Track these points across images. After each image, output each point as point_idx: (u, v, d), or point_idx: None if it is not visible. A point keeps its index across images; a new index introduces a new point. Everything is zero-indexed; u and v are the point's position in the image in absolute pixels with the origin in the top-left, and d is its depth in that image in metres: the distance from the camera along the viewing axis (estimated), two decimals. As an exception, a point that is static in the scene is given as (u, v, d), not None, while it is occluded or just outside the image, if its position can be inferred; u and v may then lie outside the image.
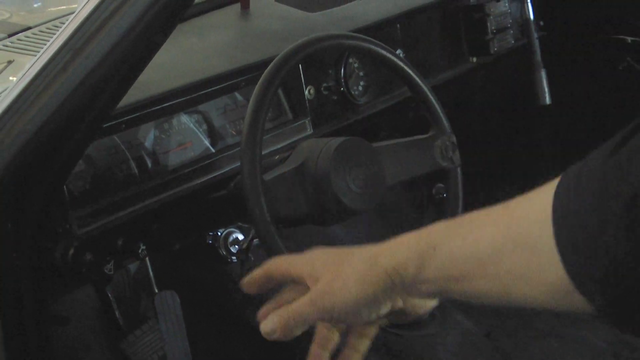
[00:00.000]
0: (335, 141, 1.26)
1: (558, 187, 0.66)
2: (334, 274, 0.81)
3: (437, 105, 1.40)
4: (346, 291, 0.80)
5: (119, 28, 0.99)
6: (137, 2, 0.98)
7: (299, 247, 1.22)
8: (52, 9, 1.78)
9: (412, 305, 0.87)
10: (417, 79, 1.39)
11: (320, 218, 1.27)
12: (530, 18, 2.07)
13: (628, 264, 0.60)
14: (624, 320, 0.64)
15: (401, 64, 1.36)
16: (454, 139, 1.40)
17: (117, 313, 1.63)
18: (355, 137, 1.29)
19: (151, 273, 1.67)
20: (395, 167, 1.33)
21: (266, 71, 1.22)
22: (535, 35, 2.07)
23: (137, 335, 1.65)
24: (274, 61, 1.23)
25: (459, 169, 1.41)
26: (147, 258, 1.64)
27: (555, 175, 0.68)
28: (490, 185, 2.40)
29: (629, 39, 2.15)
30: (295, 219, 1.26)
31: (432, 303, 0.91)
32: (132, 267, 1.76)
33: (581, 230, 0.63)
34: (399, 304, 0.82)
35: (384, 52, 1.35)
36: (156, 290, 1.69)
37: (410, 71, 1.37)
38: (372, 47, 1.34)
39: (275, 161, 1.32)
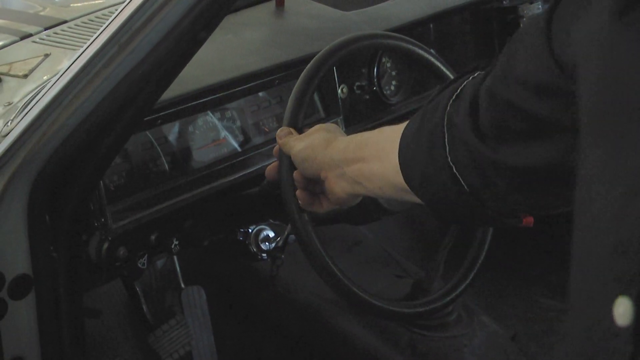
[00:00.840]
0: None
1: (407, 124, 1.00)
2: (303, 138, 1.16)
3: None
4: (302, 147, 1.14)
5: (164, 24, 0.99)
6: (180, 2, 0.98)
7: (328, 245, 1.23)
8: (87, 2, 1.78)
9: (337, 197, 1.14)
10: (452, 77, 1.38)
11: (356, 217, 1.27)
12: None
13: (430, 176, 0.94)
14: (436, 212, 0.98)
15: (438, 63, 1.36)
16: None
17: (144, 307, 1.64)
18: None
19: (178, 268, 1.68)
20: None
21: (307, 68, 1.22)
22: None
23: (164, 330, 1.65)
24: (315, 58, 1.23)
25: None
26: (175, 256, 1.65)
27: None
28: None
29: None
30: (331, 217, 1.26)
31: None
32: (159, 262, 1.77)
33: (409, 153, 0.97)
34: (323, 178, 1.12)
35: (421, 52, 1.35)
36: (183, 286, 1.70)
37: (447, 71, 1.37)
38: (411, 47, 1.33)
39: None
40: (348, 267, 1.25)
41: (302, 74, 1.22)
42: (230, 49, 1.54)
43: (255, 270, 1.77)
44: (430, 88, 1.77)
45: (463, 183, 0.91)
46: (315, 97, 1.58)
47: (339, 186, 1.10)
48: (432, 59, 1.35)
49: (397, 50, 1.36)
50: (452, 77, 1.39)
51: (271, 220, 1.48)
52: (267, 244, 1.49)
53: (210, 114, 1.44)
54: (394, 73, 1.73)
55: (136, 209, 1.32)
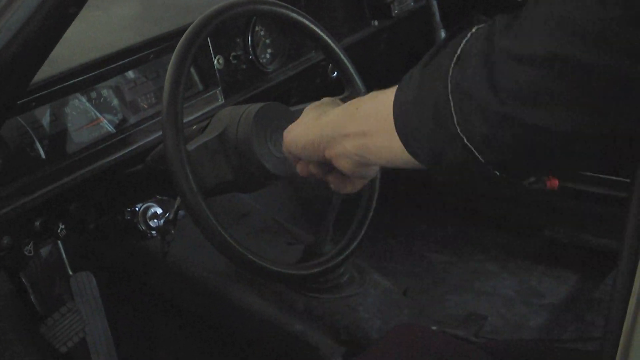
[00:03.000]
0: (254, 107, 1.26)
1: (396, 92, 0.90)
2: (293, 125, 1.11)
3: (351, 66, 1.41)
4: (294, 134, 1.09)
5: (32, 0, 0.96)
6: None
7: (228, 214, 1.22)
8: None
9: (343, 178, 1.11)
10: (330, 41, 1.39)
11: (244, 185, 1.27)
12: (427, -21, 2.10)
13: (441, 150, 0.85)
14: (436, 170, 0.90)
15: (315, 27, 1.36)
16: None
17: (32, 297, 1.60)
18: (273, 102, 1.29)
19: (64, 255, 1.64)
20: None
21: (181, 40, 1.20)
22: (433, -4, 2.11)
23: (56, 319, 1.61)
24: (189, 29, 1.22)
25: None
26: (59, 241, 1.61)
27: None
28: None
29: (523, -4, 2.21)
30: (220, 187, 1.25)
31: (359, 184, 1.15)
32: (44, 251, 1.73)
33: (411, 125, 0.88)
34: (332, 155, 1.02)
35: (296, 16, 1.35)
36: (71, 273, 1.66)
37: (323, 34, 1.38)
38: (284, 11, 1.34)
39: (194, 131, 1.31)
40: (239, 239, 1.24)
41: (177, 47, 1.21)
42: (101, 26, 1.51)
43: (145, 250, 1.75)
44: (306, 53, 1.78)
45: (478, 155, 0.83)
46: (192, 70, 1.57)
47: (345, 164, 1.02)
48: (308, 23, 1.35)
49: (271, 16, 1.36)
50: (329, 40, 1.40)
51: (158, 196, 1.47)
52: (155, 220, 1.48)
53: (86, 93, 1.41)
54: (268, 41, 1.73)
55: (17, 195, 1.28)
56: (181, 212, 1.35)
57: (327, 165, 1.07)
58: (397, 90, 0.90)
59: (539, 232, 2.30)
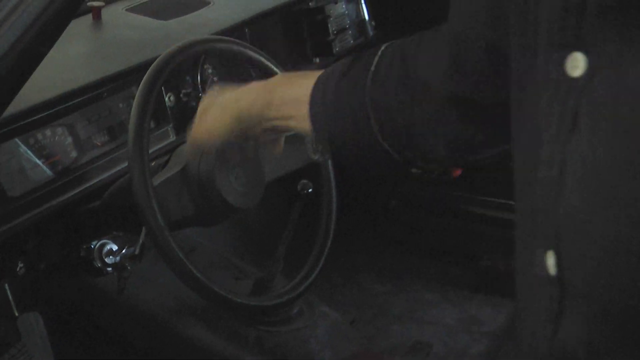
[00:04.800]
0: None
1: (313, 91, 1.00)
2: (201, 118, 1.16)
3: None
4: (207, 125, 1.14)
5: (6, 39, 0.97)
6: (24, 13, 0.97)
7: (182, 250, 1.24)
8: None
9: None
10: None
11: (207, 219, 1.29)
12: (365, 18, 2.16)
13: (362, 152, 0.98)
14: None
15: (270, 64, 1.40)
16: None
17: None
18: None
19: (10, 296, 1.63)
20: (272, 164, 1.38)
21: (145, 77, 1.23)
22: (371, 34, 2.17)
23: (6, 361, 1.59)
24: (152, 67, 1.24)
25: (329, 162, 1.47)
26: (6, 284, 1.60)
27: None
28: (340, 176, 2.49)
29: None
30: (183, 221, 1.27)
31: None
32: (-10, 292, 1.70)
33: (334, 125, 0.99)
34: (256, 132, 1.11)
35: (253, 54, 1.39)
36: (16, 314, 1.65)
37: (277, 70, 1.42)
38: (242, 49, 1.37)
39: (154, 167, 1.33)
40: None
41: (142, 84, 1.23)
42: (54, 65, 1.50)
43: (95, 288, 1.74)
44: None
45: (397, 157, 0.97)
46: None
47: (270, 137, 1.13)
48: (265, 61, 1.39)
49: (228, 53, 1.39)
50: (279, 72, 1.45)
51: (114, 233, 1.47)
52: (111, 257, 1.48)
53: (42, 132, 1.41)
54: (216, 78, 1.76)
55: None
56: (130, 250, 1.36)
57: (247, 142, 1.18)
58: (314, 89, 1.01)
59: (476, 262, 2.36)
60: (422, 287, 2.32)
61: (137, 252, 1.33)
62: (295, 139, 1.45)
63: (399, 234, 2.50)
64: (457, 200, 2.43)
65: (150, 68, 1.23)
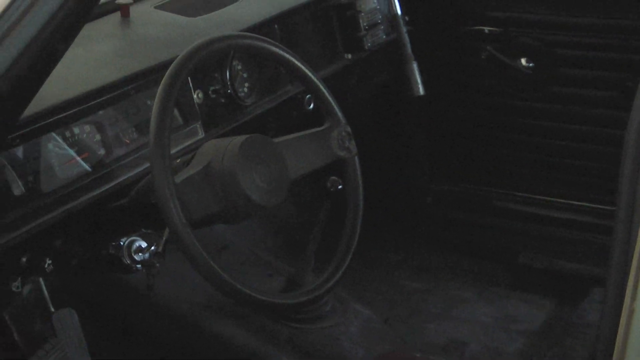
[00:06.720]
0: (239, 139, 1.28)
1: None
2: None
3: (330, 98, 1.43)
4: None
5: (23, 37, 0.97)
6: (39, 11, 0.96)
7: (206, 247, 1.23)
8: None
9: None
10: (310, 74, 1.42)
11: (230, 216, 1.28)
12: (398, 13, 2.14)
13: None
14: None
15: (294, 60, 1.39)
16: (348, 129, 1.44)
17: (15, 335, 1.59)
18: (257, 134, 1.31)
19: (45, 292, 1.64)
20: (297, 161, 1.36)
21: (166, 75, 1.22)
22: (404, 29, 2.14)
23: (40, 356, 1.60)
24: (173, 64, 1.23)
25: (356, 158, 1.45)
26: (40, 278, 1.61)
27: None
28: (375, 173, 2.48)
29: (487, 29, 2.27)
30: (207, 219, 1.27)
31: None
32: (25, 288, 1.72)
33: None
34: None
35: (277, 50, 1.38)
36: (52, 310, 1.66)
37: (303, 67, 1.41)
38: (266, 45, 1.36)
39: (179, 164, 1.32)
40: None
41: (162, 82, 1.23)
42: (82, 63, 1.52)
43: (128, 284, 1.75)
44: (283, 86, 1.81)
45: None
46: None
47: None
48: (288, 56, 1.38)
49: (252, 50, 1.38)
50: (309, 73, 1.43)
51: (143, 230, 1.47)
52: (140, 254, 1.48)
53: (70, 129, 1.42)
54: (245, 75, 1.76)
55: (1, 232, 1.28)
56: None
57: None
58: None
59: (514, 259, 2.33)
60: (458, 284, 2.30)
61: (160, 249, 1.33)
62: (320, 135, 1.44)
63: (435, 231, 2.47)
64: (494, 197, 2.40)
65: (171, 66, 1.23)
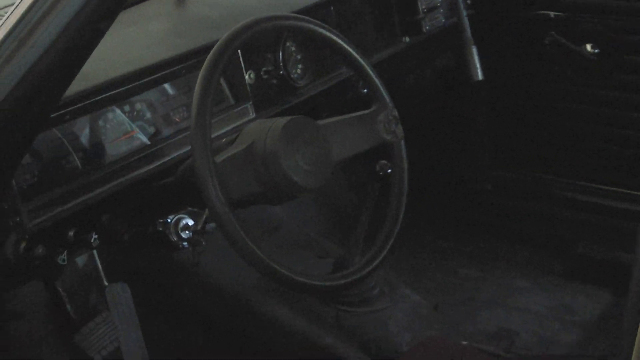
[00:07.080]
0: (282, 120, 1.28)
1: None
2: None
3: (378, 81, 1.42)
4: None
5: (64, 15, 0.99)
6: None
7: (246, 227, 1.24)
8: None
9: None
10: (357, 56, 1.41)
11: (272, 197, 1.28)
12: (458, -4, 2.11)
13: None
14: None
15: (341, 42, 1.38)
16: (395, 112, 1.43)
17: (68, 307, 1.63)
18: (301, 115, 1.31)
19: (99, 266, 1.68)
20: (341, 143, 1.35)
21: (209, 55, 1.23)
22: (464, 13, 2.11)
23: (91, 328, 1.65)
24: (217, 45, 1.24)
25: (402, 142, 1.44)
26: (94, 251, 1.64)
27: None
28: (433, 158, 2.46)
29: (552, 13, 2.22)
30: (248, 199, 1.27)
31: None
32: (80, 260, 1.76)
33: None
34: None
35: (323, 31, 1.37)
36: (106, 283, 1.69)
37: (350, 49, 1.40)
38: (312, 26, 1.36)
39: (223, 144, 1.33)
40: (270, 252, 1.25)
41: (205, 63, 1.23)
42: (135, 41, 1.54)
43: (177, 262, 1.78)
44: (337, 68, 1.80)
45: None
46: (224, 84, 1.59)
47: None
48: (335, 38, 1.37)
49: (298, 31, 1.38)
50: (356, 55, 1.42)
51: (189, 208, 1.49)
52: (187, 232, 1.50)
53: (120, 107, 1.44)
54: (299, 56, 1.76)
55: (51, 206, 1.31)
56: (210, 226, 1.37)
57: None
58: None
59: (572, 249, 2.29)
60: (513, 273, 2.27)
61: (199, 227, 1.34)
62: (366, 118, 1.43)
63: (492, 218, 2.44)
64: (554, 185, 2.35)
65: (215, 47, 1.24)
